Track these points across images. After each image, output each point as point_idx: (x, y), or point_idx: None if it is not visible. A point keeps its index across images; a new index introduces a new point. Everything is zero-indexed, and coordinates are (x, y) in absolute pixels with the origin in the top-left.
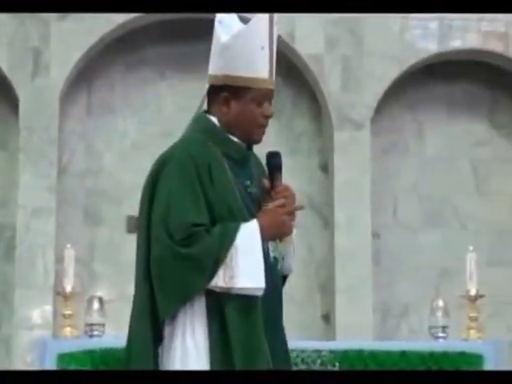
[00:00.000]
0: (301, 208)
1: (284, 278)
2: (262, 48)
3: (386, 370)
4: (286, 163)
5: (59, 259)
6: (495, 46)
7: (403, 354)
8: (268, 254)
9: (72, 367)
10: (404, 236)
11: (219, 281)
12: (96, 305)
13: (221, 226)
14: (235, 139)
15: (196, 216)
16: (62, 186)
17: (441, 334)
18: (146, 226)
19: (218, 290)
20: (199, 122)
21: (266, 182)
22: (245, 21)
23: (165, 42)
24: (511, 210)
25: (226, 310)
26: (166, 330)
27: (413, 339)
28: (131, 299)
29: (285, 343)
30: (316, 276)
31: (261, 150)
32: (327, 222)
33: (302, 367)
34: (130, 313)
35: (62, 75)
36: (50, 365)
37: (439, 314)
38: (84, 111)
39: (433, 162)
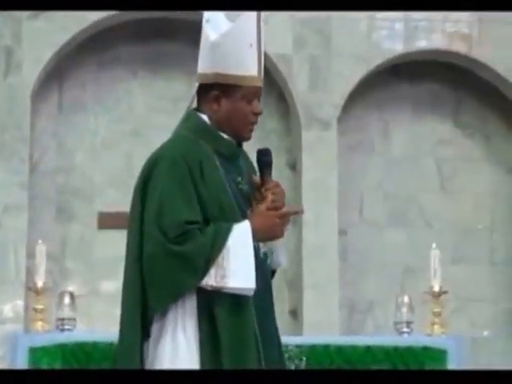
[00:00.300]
0: (301, 212)
1: (273, 272)
2: (251, 45)
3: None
4: (254, 161)
5: (31, 255)
6: (459, 47)
7: (368, 348)
8: (258, 250)
9: (43, 361)
10: (370, 234)
11: (210, 280)
12: (67, 300)
13: (214, 227)
14: (225, 136)
15: (189, 214)
16: (34, 183)
17: (405, 329)
18: (138, 224)
19: (209, 288)
20: (189, 120)
21: (257, 179)
22: (232, 19)
23: (137, 42)
24: (475, 209)
25: (216, 308)
26: (155, 326)
27: (378, 334)
28: (102, 294)
29: (277, 337)
30: (284, 272)
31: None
32: (295, 220)
33: None
34: (121, 309)
35: (33, 74)
36: (22, 358)
37: (404, 309)
38: (56, 109)
39: (398, 161)
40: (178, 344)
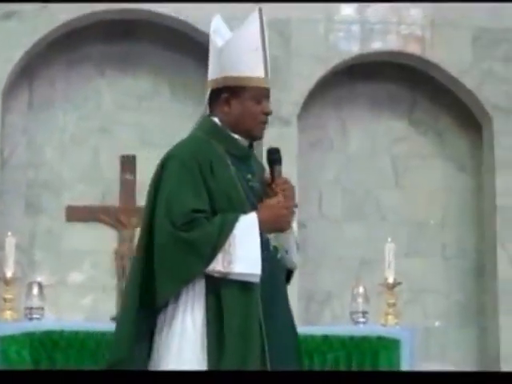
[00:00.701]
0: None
1: (290, 272)
2: (256, 49)
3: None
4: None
5: (0, 247)
6: (413, 49)
7: (326, 338)
8: (268, 243)
9: (12, 349)
10: (328, 227)
11: (218, 265)
12: (35, 290)
13: (220, 216)
14: (237, 137)
15: (196, 202)
16: (4, 178)
17: (361, 319)
18: (149, 217)
19: (216, 274)
20: (202, 123)
21: (267, 176)
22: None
23: (105, 42)
24: (428, 204)
25: (222, 293)
26: (169, 309)
27: (335, 324)
28: (69, 285)
29: (292, 327)
30: None
31: None
32: None
33: None
34: (122, 298)
35: (4, 72)
36: None
37: (360, 300)
38: (26, 107)
39: (355, 158)
40: (186, 326)
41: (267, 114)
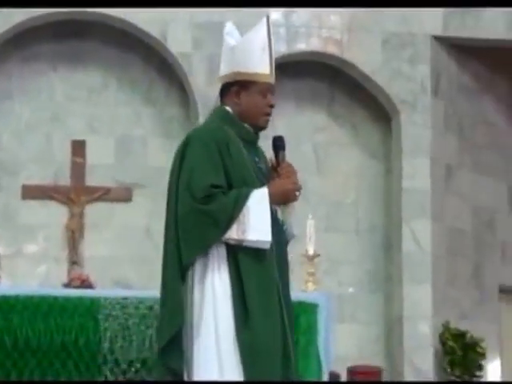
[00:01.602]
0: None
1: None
2: (263, 49)
3: None
4: (160, 144)
5: None
6: (332, 50)
7: None
8: (277, 216)
9: None
10: None
11: (233, 234)
12: None
13: (236, 190)
14: (246, 125)
15: (214, 178)
16: None
17: None
18: (175, 192)
19: (232, 242)
20: (216, 111)
21: (273, 161)
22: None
23: (57, 40)
24: (344, 186)
25: (240, 258)
26: (199, 269)
27: None
28: (24, 255)
29: (289, 295)
30: None
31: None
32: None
33: None
34: (163, 259)
35: None
36: None
37: None
38: None
39: None
40: (214, 283)
41: (271, 106)
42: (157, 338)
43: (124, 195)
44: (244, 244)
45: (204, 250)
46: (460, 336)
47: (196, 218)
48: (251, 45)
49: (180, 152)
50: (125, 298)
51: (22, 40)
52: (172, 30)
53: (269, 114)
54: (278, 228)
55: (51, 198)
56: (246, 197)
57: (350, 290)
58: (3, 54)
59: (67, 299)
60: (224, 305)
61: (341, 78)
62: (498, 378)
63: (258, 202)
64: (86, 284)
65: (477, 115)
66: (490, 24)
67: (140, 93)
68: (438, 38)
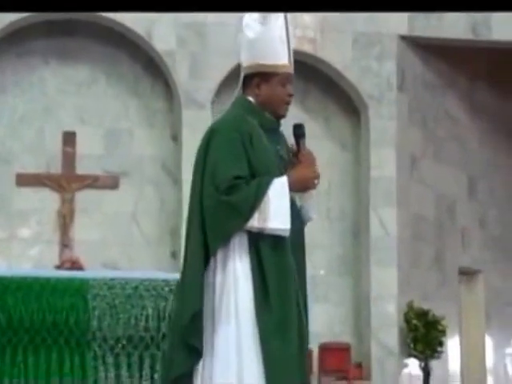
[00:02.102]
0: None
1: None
2: (282, 41)
3: None
4: (145, 135)
5: None
6: (307, 48)
7: None
8: (295, 203)
9: None
10: None
11: (254, 222)
12: None
13: (257, 180)
14: (266, 113)
15: (237, 170)
16: None
17: None
18: (200, 183)
19: (254, 230)
20: (239, 101)
21: (294, 147)
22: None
23: (48, 38)
24: None
25: (260, 245)
26: (221, 256)
27: None
28: (18, 239)
29: (305, 281)
30: (167, 223)
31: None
32: (176, 181)
33: (154, 293)
34: (186, 243)
35: None
36: None
37: None
38: None
39: None
40: (236, 269)
41: (291, 95)
42: (177, 318)
43: (111, 183)
44: (265, 232)
45: (228, 239)
46: (423, 315)
47: (220, 209)
48: (270, 37)
49: (204, 144)
50: (112, 279)
51: (15, 37)
52: (157, 29)
53: (288, 103)
54: (295, 214)
55: (44, 185)
56: (266, 186)
57: (322, 272)
58: None
59: (58, 280)
60: (245, 288)
61: (314, 74)
62: (457, 354)
63: (279, 191)
64: (76, 266)
65: (439, 109)
66: (452, 25)
67: (127, 87)
68: (403, 38)
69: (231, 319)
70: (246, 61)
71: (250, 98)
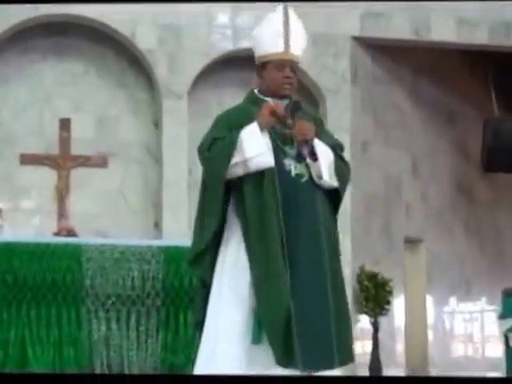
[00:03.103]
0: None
1: (335, 193)
2: (277, 33)
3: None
4: (130, 121)
5: None
6: None
7: None
8: (289, 171)
9: None
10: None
11: (235, 159)
12: None
13: (231, 133)
14: (267, 99)
15: (217, 133)
16: None
17: None
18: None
19: (238, 171)
20: (246, 94)
21: (289, 119)
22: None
23: (47, 37)
24: None
25: (243, 190)
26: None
27: None
28: (22, 210)
29: (318, 237)
30: (150, 197)
31: None
32: (157, 160)
33: (139, 257)
34: (201, 197)
35: None
36: None
37: None
38: None
39: None
40: (231, 219)
41: (287, 77)
42: (190, 252)
43: (101, 162)
44: (247, 164)
45: (222, 180)
46: (373, 277)
47: (206, 165)
48: (266, 32)
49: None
50: (102, 245)
51: (19, 37)
52: (139, 30)
53: (286, 83)
54: (291, 180)
55: (43, 164)
56: (237, 133)
57: None
58: (3, 47)
59: (56, 245)
60: (234, 225)
61: None
62: (402, 311)
63: (250, 132)
64: (71, 233)
65: (387, 100)
66: (398, 26)
67: (115, 80)
68: (355, 38)
69: (225, 251)
70: (255, 55)
71: (255, 89)
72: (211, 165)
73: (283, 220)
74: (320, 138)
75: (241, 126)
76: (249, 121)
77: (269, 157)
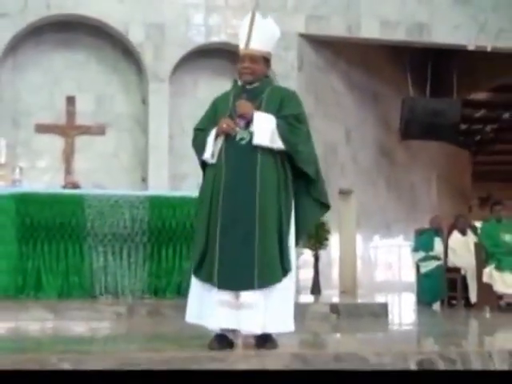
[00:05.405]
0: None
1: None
2: (243, 33)
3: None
4: (123, 99)
5: None
6: (235, 41)
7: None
8: (235, 138)
9: (3, 202)
10: (188, 139)
11: (205, 155)
12: (17, 170)
13: (204, 133)
14: (239, 83)
15: (199, 125)
16: (2, 107)
17: None
18: None
19: (206, 159)
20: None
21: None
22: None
23: (57, 32)
24: None
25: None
26: None
27: None
28: (38, 168)
29: (252, 195)
30: (139, 158)
31: None
32: (144, 130)
33: (129, 204)
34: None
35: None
36: None
37: None
38: (11, 68)
39: (202, 101)
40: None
41: (244, 68)
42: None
43: (100, 131)
44: (206, 158)
45: (201, 157)
46: None
47: (194, 149)
48: (239, 31)
49: None
50: (100, 195)
51: (34, 33)
52: (131, 27)
53: (244, 73)
54: (236, 144)
55: (53, 132)
56: (208, 134)
57: None
58: (22, 41)
59: (64, 195)
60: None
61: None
62: (337, 246)
63: (210, 137)
64: (76, 186)
65: (326, 84)
66: (335, 26)
67: (111, 66)
68: (301, 35)
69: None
70: None
71: (236, 77)
72: (197, 151)
73: (226, 168)
74: (283, 109)
75: (221, 108)
76: (225, 104)
77: (208, 155)
